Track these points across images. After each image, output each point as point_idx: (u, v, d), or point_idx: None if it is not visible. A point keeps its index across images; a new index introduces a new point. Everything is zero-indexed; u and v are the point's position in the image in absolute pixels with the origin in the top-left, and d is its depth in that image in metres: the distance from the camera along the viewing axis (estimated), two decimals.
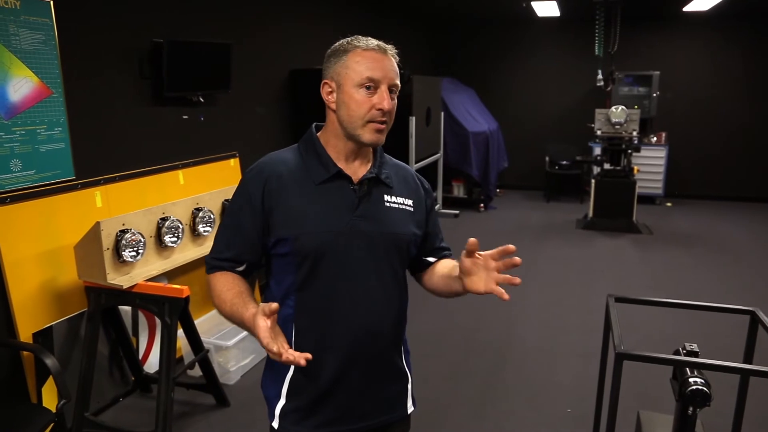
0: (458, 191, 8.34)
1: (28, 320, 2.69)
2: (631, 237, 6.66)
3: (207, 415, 3.10)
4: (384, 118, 1.37)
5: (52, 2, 2.76)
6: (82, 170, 2.98)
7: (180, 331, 2.98)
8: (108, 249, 2.68)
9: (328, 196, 1.40)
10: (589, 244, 6.43)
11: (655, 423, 2.32)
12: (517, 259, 1.32)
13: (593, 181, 7.01)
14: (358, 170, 1.44)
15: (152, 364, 3.34)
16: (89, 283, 2.78)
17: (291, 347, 1.43)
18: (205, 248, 3.24)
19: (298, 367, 1.44)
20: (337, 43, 1.42)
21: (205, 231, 3.24)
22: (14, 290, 2.63)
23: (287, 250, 1.40)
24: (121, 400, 3.17)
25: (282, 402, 1.47)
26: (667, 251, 6.12)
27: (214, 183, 3.81)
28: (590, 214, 7.07)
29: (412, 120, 6.09)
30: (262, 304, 1.24)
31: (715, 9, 7.45)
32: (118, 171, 3.19)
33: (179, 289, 2.68)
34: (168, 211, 3.03)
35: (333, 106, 1.41)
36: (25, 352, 2.69)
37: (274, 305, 1.21)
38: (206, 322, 3.64)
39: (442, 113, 7.50)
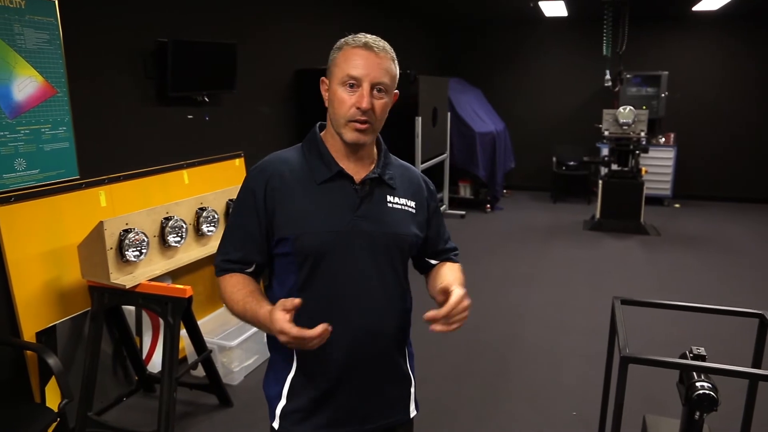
0: (465, 192, 8.31)
1: (32, 319, 2.70)
2: (638, 238, 6.61)
3: (210, 415, 3.09)
4: (364, 118, 1.34)
5: (57, 2, 2.76)
6: (86, 170, 2.98)
7: (183, 331, 2.98)
8: (111, 248, 2.67)
9: (329, 195, 1.39)
10: (596, 245, 6.38)
11: (662, 427, 2.30)
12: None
13: (600, 182, 6.96)
14: (360, 170, 1.43)
15: (156, 363, 3.33)
16: (93, 282, 2.78)
17: (292, 352, 1.44)
18: (209, 248, 3.24)
19: (299, 368, 1.45)
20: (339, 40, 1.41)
21: (209, 231, 3.23)
22: (18, 289, 2.64)
23: (288, 249, 1.39)
24: (125, 400, 3.17)
25: (283, 402, 1.47)
26: (674, 253, 6.07)
27: (219, 183, 3.81)
28: (597, 215, 7.03)
29: (419, 120, 6.07)
30: (282, 300, 1.25)
31: (725, 8, 7.38)
32: (122, 170, 3.19)
33: (182, 289, 2.67)
34: (172, 210, 3.02)
35: (327, 103, 1.41)
36: (28, 352, 2.69)
37: (297, 300, 1.23)
38: (210, 322, 3.64)
39: (449, 113, 7.48)
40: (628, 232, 6.78)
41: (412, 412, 1.57)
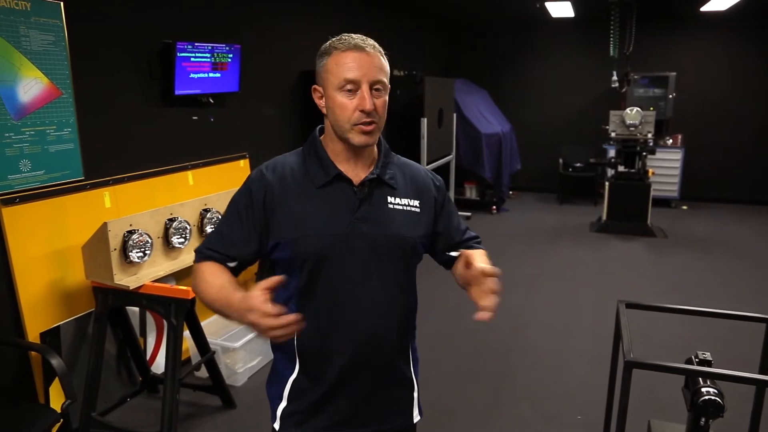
0: (470, 193, 8.28)
1: (36, 320, 2.70)
2: (645, 240, 6.57)
3: (213, 416, 3.09)
4: (369, 119, 1.33)
5: (62, 3, 2.77)
6: (91, 171, 2.99)
7: (186, 332, 2.98)
8: (115, 250, 2.68)
9: (328, 199, 1.38)
10: (603, 247, 6.35)
11: None
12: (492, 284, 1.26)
13: (607, 183, 6.93)
14: (360, 172, 1.41)
15: (160, 364, 3.33)
16: (96, 283, 2.78)
17: (294, 351, 1.43)
18: None
19: (301, 370, 1.44)
20: (323, 45, 1.39)
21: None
22: (23, 290, 2.64)
23: (288, 254, 1.38)
24: (129, 401, 3.18)
25: (284, 404, 1.46)
26: (681, 255, 6.02)
27: (223, 184, 3.81)
28: (604, 217, 6.99)
29: (424, 121, 6.06)
30: (262, 281, 1.19)
31: (733, 9, 7.33)
32: (127, 171, 3.19)
33: (185, 290, 2.67)
34: (176, 212, 3.03)
35: (324, 111, 1.39)
36: (32, 352, 2.70)
37: (278, 278, 1.19)
38: (214, 324, 3.64)
39: (455, 114, 7.46)
40: (634, 234, 6.75)
41: (416, 417, 1.56)
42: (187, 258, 3.08)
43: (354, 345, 1.40)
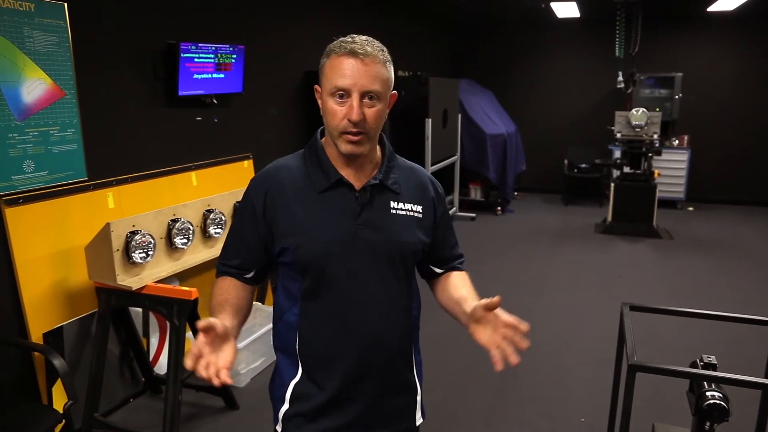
0: (475, 194, 8.26)
1: (39, 320, 2.71)
2: (650, 242, 6.54)
3: (216, 417, 3.09)
4: (356, 129, 1.30)
5: (66, 4, 2.77)
6: (94, 171, 2.99)
7: (189, 333, 2.97)
8: (118, 250, 2.68)
9: (329, 204, 1.37)
10: (608, 248, 6.32)
11: None
12: (523, 343, 1.35)
13: (612, 184, 6.89)
14: (362, 176, 1.40)
15: (163, 365, 3.33)
16: (99, 283, 2.79)
17: (296, 355, 1.44)
18: (216, 250, 3.23)
19: (303, 374, 1.44)
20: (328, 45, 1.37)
21: (216, 233, 3.23)
22: (26, 290, 2.65)
23: (290, 259, 1.38)
24: (131, 401, 3.18)
25: (285, 406, 1.46)
26: (687, 257, 5.99)
27: (227, 184, 3.81)
28: (609, 218, 6.96)
29: (429, 122, 6.05)
30: (202, 321, 1.21)
31: (740, 9, 7.28)
32: (130, 172, 3.19)
33: (188, 291, 2.67)
34: (179, 212, 3.03)
35: (321, 112, 1.37)
36: (35, 353, 2.70)
37: (203, 324, 1.19)
38: None
39: (460, 115, 7.45)
40: (640, 235, 6.71)
41: (418, 420, 1.55)
42: (189, 259, 3.08)
43: (356, 350, 1.40)
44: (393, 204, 1.41)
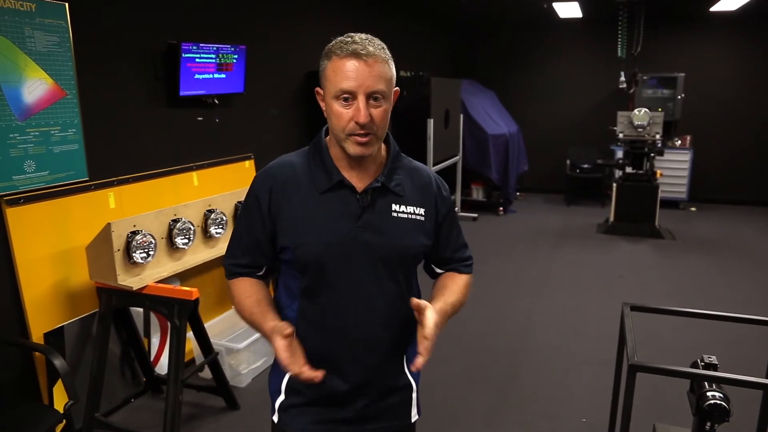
0: (477, 194, 8.26)
1: (40, 320, 2.71)
2: (652, 242, 6.53)
3: (216, 417, 3.09)
4: (363, 131, 1.29)
5: (67, 5, 2.78)
6: (95, 171, 2.99)
7: (190, 333, 2.98)
8: (119, 250, 2.68)
9: (330, 205, 1.37)
10: (610, 249, 6.31)
11: None
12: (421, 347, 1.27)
13: (615, 184, 6.88)
14: (364, 178, 1.39)
15: (164, 365, 3.33)
16: (100, 283, 2.79)
17: None
18: (217, 250, 3.24)
19: None
20: (327, 46, 1.35)
21: (217, 233, 3.23)
22: (27, 290, 2.65)
23: (290, 257, 1.39)
24: (132, 401, 3.18)
25: (282, 397, 1.48)
26: (689, 257, 5.97)
27: (228, 184, 3.81)
28: (611, 218, 6.95)
29: (431, 122, 6.05)
30: (277, 324, 1.28)
31: (743, 9, 7.26)
32: (131, 172, 3.20)
33: (189, 291, 2.67)
34: (180, 212, 3.03)
35: (325, 114, 1.36)
36: (36, 353, 2.70)
37: (288, 330, 1.26)
38: (219, 324, 3.64)
39: (462, 115, 7.44)
40: (642, 235, 6.70)
41: (414, 417, 1.56)
42: (190, 259, 3.09)
43: (352, 350, 1.41)
44: (395, 207, 1.40)
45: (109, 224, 2.64)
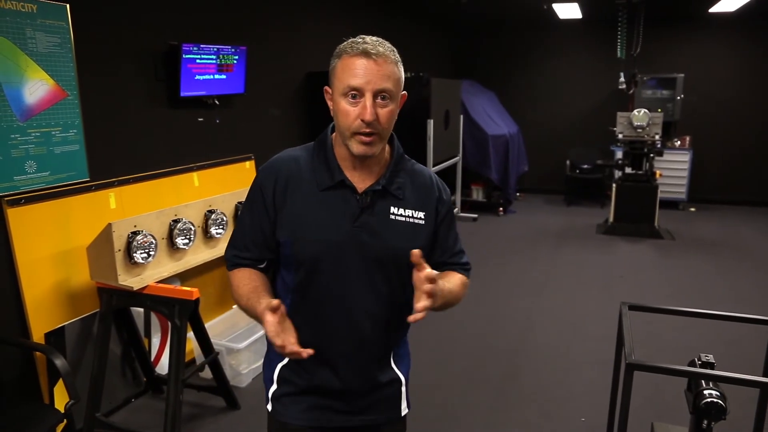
0: (477, 195, 8.27)
1: (41, 320, 2.72)
2: (652, 242, 6.54)
3: (217, 417, 3.10)
4: (369, 129, 1.30)
5: (68, 6, 2.79)
6: (96, 172, 3.00)
7: (191, 333, 2.99)
8: (119, 250, 2.69)
9: (330, 203, 1.38)
10: (609, 249, 6.32)
11: None
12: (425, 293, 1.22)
13: (614, 185, 6.89)
14: (366, 179, 1.40)
15: (165, 365, 3.34)
16: (101, 284, 2.80)
17: None
18: (218, 250, 3.25)
19: (288, 361, 1.48)
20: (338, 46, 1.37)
21: (217, 233, 3.24)
22: (28, 290, 2.66)
23: (287, 252, 1.41)
24: (133, 401, 3.19)
25: (274, 387, 1.51)
26: (689, 257, 5.98)
27: (229, 185, 3.82)
28: (611, 218, 6.96)
29: (430, 123, 6.05)
30: (268, 301, 1.25)
31: (742, 10, 7.28)
32: (132, 173, 3.21)
33: (189, 291, 2.68)
34: (180, 213, 3.04)
35: (332, 113, 1.37)
36: (37, 352, 2.71)
37: (275, 302, 1.23)
38: (219, 324, 3.65)
39: (462, 116, 7.45)
40: (641, 236, 6.71)
41: (404, 410, 1.58)
42: (191, 259, 3.10)
43: (342, 347, 1.44)
44: (393, 209, 1.41)
45: (110, 224, 2.65)
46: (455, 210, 7.54)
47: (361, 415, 1.51)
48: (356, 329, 1.41)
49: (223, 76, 3.83)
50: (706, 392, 1.73)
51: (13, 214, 2.60)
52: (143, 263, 2.79)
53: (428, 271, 1.22)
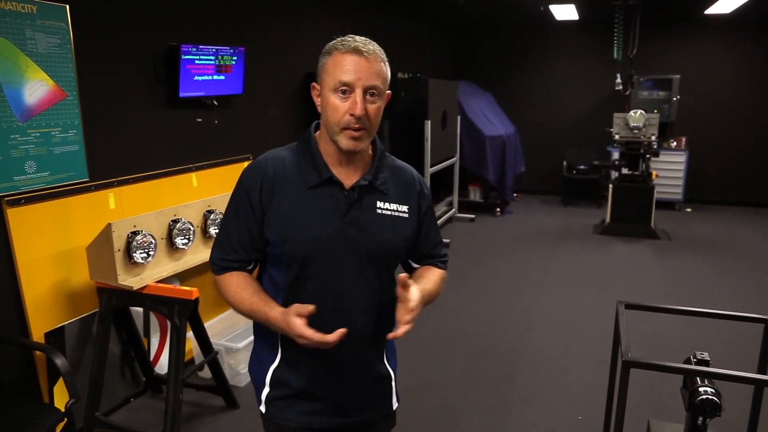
0: (474, 195, 8.30)
1: (41, 320, 2.73)
2: (648, 243, 6.57)
3: (216, 416, 3.11)
4: (358, 125, 1.34)
5: (68, 6, 2.80)
6: (95, 172, 3.01)
7: (190, 333, 3.00)
8: (119, 250, 2.70)
9: (318, 200, 1.41)
10: (606, 249, 6.35)
11: None
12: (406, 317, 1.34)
13: (611, 185, 6.92)
14: (352, 175, 1.43)
15: (164, 365, 3.35)
16: (101, 283, 2.81)
17: (277, 342, 1.49)
18: None
19: (282, 360, 1.49)
20: (327, 44, 1.40)
21: (216, 233, 3.25)
22: (27, 290, 2.67)
23: (277, 251, 1.42)
24: (132, 401, 3.20)
25: (267, 390, 1.52)
26: (685, 257, 6.01)
27: (227, 185, 3.83)
28: (608, 219, 6.99)
29: (428, 124, 6.08)
30: (296, 306, 1.31)
31: (737, 12, 7.32)
32: (131, 173, 3.22)
33: (189, 290, 2.69)
34: (179, 213, 3.05)
35: (319, 109, 1.41)
36: (37, 352, 2.72)
37: (311, 307, 1.29)
38: (218, 324, 3.66)
39: (459, 117, 7.48)
40: (638, 236, 6.74)
41: (394, 405, 1.62)
42: (190, 259, 3.11)
43: (335, 343, 1.44)
44: (380, 204, 1.45)
45: (109, 224, 2.66)
46: (452, 211, 7.59)
47: (356, 414, 1.53)
48: (350, 325, 1.41)
49: (222, 77, 3.84)
50: (701, 389, 1.75)
51: (13, 214, 2.61)
52: (143, 263, 2.80)
53: (412, 300, 1.33)
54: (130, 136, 3.29)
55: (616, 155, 7.52)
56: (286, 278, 1.43)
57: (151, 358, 3.31)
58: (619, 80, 7.65)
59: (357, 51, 1.33)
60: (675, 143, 8.28)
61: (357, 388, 1.52)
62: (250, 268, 1.49)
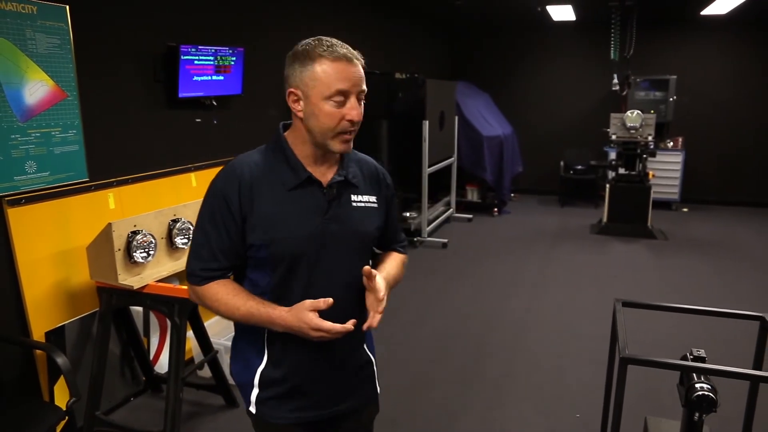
0: (472, 195, 8.32)
1: (41, 319, 2.74)
2: (645, 242, 6.60)
3: (216, 415, 3.12)
4: (353, 128, 1.39)
5: (67, 7, 2.81)
6: (95, 172, 3.03)
7: (190, 332, 3.01)
8: (119, 250, 2.71)
9: (299, 200, 1.42)
10: (603, 249, 6.37)
11: (662, 428, 2.30)
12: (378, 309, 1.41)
13: (608, 185, 6.95)
14: (326, 173, 1.47)
15: (163, 364, 3.37)
16: (101, 283, 2.82)
17: (263, 342, 1.50)
18: None
19: (269, 360, 1.50)
20: (299, 47, 1.39)
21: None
22: (28, 289, 2.68)
23: (263, 254, 1.42)
24: (132, 400, 3.21)
25: (256, 391, 1.52)
26: (682, 257, 6.04)
27: None
28: (605, 219, 7.02)
29: (426, 124, 6.09)
30: (309, 301, 1.34)
31: (733, 13, 7.36)
32: (131, 173, 3.23)
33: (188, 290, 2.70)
34: (179, 212, 3.06)
35: (300, 115, 1.41)
36: (37, 351, 2.73)
37: (330, 300, 1.33)
38: (218, 324, 3.67)
39: (457, 117, 7.50)
40: (635, 236, 6.77)
41: (378, 389, 1.69)
42: None
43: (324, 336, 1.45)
44: (354, 197, 1.49)
45: (110, 224, 2.67)
46: (450, 211, 7.61)
47: (345, 402, 1.58)
48: (337, 318, 1.40)
49: (221, 77, 3.86)
50: (697, 385, 1.77)
51: (14, 214, 2.62)
52: (143, 263, 2.81)
53: (380, 290, 1.40)
54: (129, 136, 3.30)
55: (613, 155, 7.56)
56: (272, 280, 1.43)
57: (151, 357, 3.32)
58: (615, 81, 7.69)
59: (347, 58, 1.35)
60: (671, 143, 8.32)
61: (344, 377, 1.56)
62: (229, 275, 1.48)
